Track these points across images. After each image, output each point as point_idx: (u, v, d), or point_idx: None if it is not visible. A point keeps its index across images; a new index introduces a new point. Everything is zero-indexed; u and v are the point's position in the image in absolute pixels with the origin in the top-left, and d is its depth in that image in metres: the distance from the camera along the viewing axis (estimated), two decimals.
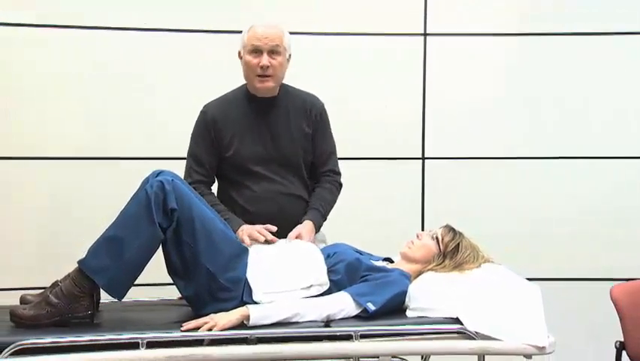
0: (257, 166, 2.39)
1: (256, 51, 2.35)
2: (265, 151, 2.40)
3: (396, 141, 3.32)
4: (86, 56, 3.15)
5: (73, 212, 3.13)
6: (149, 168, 2.15)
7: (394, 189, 3.29)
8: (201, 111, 2.47)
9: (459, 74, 3.33)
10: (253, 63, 2.36)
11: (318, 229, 2.42)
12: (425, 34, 3.31)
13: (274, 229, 2.28)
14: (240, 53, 2.44)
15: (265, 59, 2.34)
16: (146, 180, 2.07)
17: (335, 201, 2.52)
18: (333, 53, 3.26)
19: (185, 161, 2.47)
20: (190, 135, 2.48)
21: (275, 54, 2.35)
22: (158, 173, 2.08)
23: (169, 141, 3.16)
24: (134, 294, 2.12)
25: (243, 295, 2.08)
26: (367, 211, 3.24)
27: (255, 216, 2.36)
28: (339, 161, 2.58)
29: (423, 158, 3.34)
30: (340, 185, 2.55)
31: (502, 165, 3.35)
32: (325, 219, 2.47)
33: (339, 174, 2.55)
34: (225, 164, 2.43)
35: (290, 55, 2.44)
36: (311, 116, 2.47)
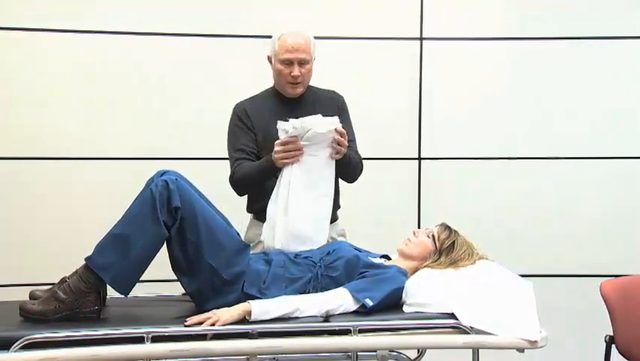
0: None
1: (287, 62, 2.47)
2: None
3: (393, 141, 3.36)
4: (92, 58, 3.19)
5: (80, 210, 3.16)
6: (154, 168, 2.20)
7: (392, 188, 3.34)
8: (233, 109, 2.56)
9: (455, 76, 3.37)
10: (285, 73, 2.48)
11: (349, 159, 2.46)
12: (421, 39, 3.35)
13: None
14: (269, 57, 2.54)
15: (297, 70, 2.47)
16: (151, 180, 2.12)
17: (359, 164, 2.55)
18: (332, 56, 3.27)
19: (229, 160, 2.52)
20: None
21: (304, 63, 2.48)
22: (163, 173, 2.13)
23: (174, 141, 3.21)
24: (139, 290, 2.16)
25: (243, 286, 2.13)
26: (365, 210, 3.26)
27: None
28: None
29: (419, 158, 3.38)
30: (362, 161, 2.59)
31: (496, 165, 3.39)
32: (355, 162, 2.51)
33: (360, 156, 2.60)
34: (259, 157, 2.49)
35: (314, 58, 2.54)
36: (336, 109, 2.57)
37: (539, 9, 3.38)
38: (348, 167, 2.50)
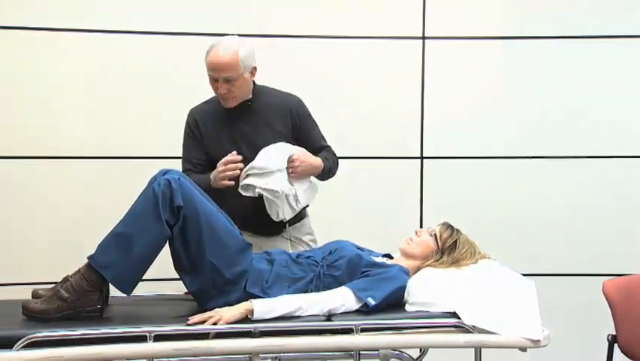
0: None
1: (212, 79, 2.42)
2: (245, 150, 2.44)
3: (396, 140, 3.36)
4: (95, 57, 3.18)
5: (82, 209, 3.16)
6: (157, 167, 2.20)
7: (394, 187, 3.33)
8: (187, 115, 2.55)
9: (457, 75, 3.37)
10: (213, 87, 2.44)
11: (324, 166, 2.48)
12: (424, 38, 3.35)
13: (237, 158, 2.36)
14: None
15: (221, 87, 2.40)
16: (154, 179, 2.13)
17: (334, 165, 2.56)
18: (333, 55, 3.29)
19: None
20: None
21: (229, 80, 2.39)
22: (165, 172, 2.13)
23: (176, 140, 3.19)
24: (141, 289, 2.16)
25: (246, 285, 2.13)
26: (367, 209, 3.27)
27: (245, 210, 2.43)
28: (340, 160, 2.62)
29: (421, 157, 3.38)
30: (336, 157, 2.59)
31: (498, 164, 3.39)
32: (329, 165, 2.51)
33: (333, 152, 2.60)
34: (211, 164, 2.48)
35: (254, 68, 2.46)
36: (289, 115, 2.52)
37: (542, 8, 3.38)
38: (324, 175, 2.53)
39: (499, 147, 3.40)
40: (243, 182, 2.36)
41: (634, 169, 3.40)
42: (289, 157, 2.40)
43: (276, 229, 2.52)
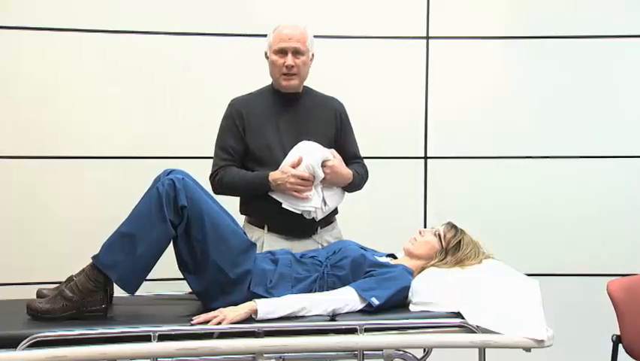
0: (279, 157, 2.43)
1: (281, 52, 2.44)
2: (287, 144, 2.45)
3: (399, 140, 3.36)
4: (103, 58, 3.18)
5: (87, 209, 3.16)
6: (162, 167, 2.20)
7: (397, 187, 3.33)
8: (228, 104, 2.54)
9: (461, 75, 3.36)
10: (279, 63, 2.45)
11: (353, 180, 2.50)
12: (428, 38, 3.35)
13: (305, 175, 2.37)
14: (266, 53, 2.52)
15: (290, 59, 2.43)
16: (158, 179, 2.13)
17: (362, 181, 2.58)
18: (338, 55, 3.28)
19: (213, 154, 2.51)
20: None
21: (299, 54, 2.44)
22: (170, 172, 2.13)
23: (180, 140, 3.20)
24: (145, 288, 2.16)
25: (249, 285, 2.14)
26: (371, 209, 3.26)
27: (275, 212, 2.42)
28: None
29: (425, 157, 3.38)
30: (367, 171, 2.62)
31: (502, 164, 3.38)
32: (359, 180, 2.54)
33: (364, 165, 2.63)
34: (250, 155, 2.48)
35: (313, 54, 2.52)
36: (334, 117, 2.54)
37: (544, 8, 3.37)
38: (351, 188, 2.54)
39: (503, 146, 3.40)
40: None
41: (638, 169, 3.39)
42: (322, 161, 2.40)
43: (307, 231, 2.49)
